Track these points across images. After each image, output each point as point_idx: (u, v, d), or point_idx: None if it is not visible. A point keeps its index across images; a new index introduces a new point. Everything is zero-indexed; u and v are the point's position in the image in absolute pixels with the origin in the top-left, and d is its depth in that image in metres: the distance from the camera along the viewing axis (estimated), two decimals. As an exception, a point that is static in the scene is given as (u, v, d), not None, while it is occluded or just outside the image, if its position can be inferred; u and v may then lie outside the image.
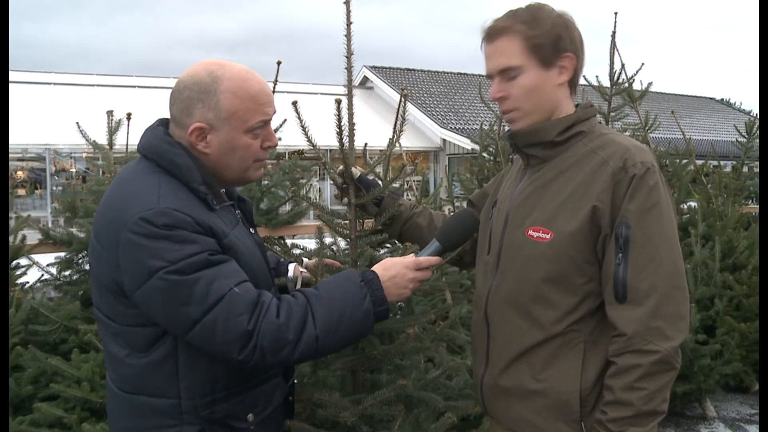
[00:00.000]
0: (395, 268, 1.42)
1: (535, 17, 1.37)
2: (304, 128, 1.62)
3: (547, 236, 1.36)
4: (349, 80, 1.62)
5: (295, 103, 1.64)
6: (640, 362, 1.27)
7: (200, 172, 1.31)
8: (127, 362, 1.29)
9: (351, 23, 1.56)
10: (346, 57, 1.58)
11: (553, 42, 1.36)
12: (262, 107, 1.35)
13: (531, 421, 1.41)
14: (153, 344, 1.27)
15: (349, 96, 1.62)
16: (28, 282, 3.13)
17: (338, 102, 1.57)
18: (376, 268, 1.42)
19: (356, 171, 1.70)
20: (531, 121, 1.43)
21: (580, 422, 1.36)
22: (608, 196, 1.31)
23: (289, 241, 3.73)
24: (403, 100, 1.69)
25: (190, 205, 1.26)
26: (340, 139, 1.63)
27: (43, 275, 3.17)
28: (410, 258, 1.46)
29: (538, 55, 1.37)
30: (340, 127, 1.61)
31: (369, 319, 1.33)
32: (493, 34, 1.41)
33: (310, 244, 1.85)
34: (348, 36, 1.56)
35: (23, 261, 3.07)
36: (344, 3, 1.55)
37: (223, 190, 1.42)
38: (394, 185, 1.81)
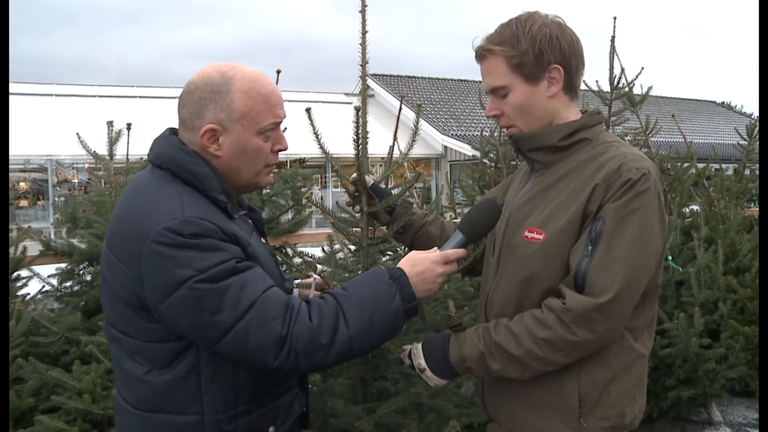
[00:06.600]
0: (423, 264, 1.38)
1: (517, 34, 1.37)
2: (317, 136, 1.63)
3: (541, 237, 1.37)
4: (364, 89, 1.63)
5: (308, 110, 1.64)
6: (559, 332, 1.29)
7: (218, 180, 1.29)
8: (145, 380, 1.25)
9: (366, 32, 1.56)
10: (361, 65, 1.58)
11: (535, 58, 1.37)
12: (274, 109, 1.33)
13: (530, 422, 1.42)
14: (175, 359, 1.24)
15: (363, 105, 1.62)
16: (29, 294, 3.11)
17: (357, 110, 1.57)
18: (402, 264, 1.38)
19: (369, 179, 1.70)
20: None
21: (579, 421, 1.36)
22: (599, 196, 1.32)
23: (297, 249, 3.72)
24: (415, 115, 1.72)
25: (213, 213, 1.24)
26: (357, 147, 1.64)
27: (44, 286, 3.15)
28: (437, 252, 1.42)
29: (522, 72, 1.38)
30: (357, 135, 1.61)
31: (399, 317, 1.30)
32: (478, 55, 1.44)
33: (314, 252, 1.85)
34: (363, 45, 1.56)
35: (24, 272, 3.06)
36: (359, 12, 1.56)
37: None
38: (406, 194, 1.81)
